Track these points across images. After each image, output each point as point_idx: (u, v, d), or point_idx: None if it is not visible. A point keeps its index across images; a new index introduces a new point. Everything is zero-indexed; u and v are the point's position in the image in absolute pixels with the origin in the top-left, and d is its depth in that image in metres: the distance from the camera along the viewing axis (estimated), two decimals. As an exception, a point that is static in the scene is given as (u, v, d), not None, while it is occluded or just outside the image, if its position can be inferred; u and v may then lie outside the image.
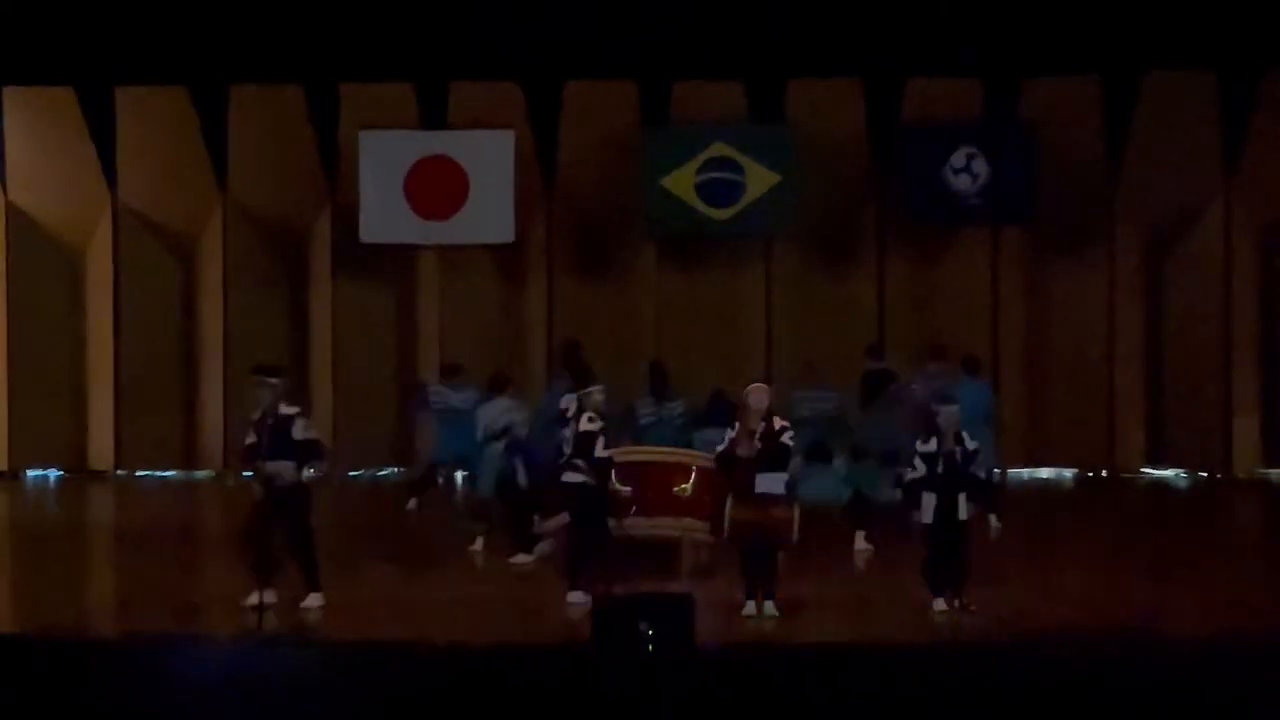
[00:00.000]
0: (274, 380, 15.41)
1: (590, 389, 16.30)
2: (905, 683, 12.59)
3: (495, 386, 19.71)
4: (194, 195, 25.60)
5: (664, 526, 17.45)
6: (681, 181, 25.19)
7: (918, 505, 15.40)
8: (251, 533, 15.43)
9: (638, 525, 17.25)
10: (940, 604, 15.37)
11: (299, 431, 15.25)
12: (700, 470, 17.26)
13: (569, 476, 16.15)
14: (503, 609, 16.17)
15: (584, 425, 16.05)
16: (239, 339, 25.56)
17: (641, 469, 17.45)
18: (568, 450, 16.16)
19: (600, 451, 16.10)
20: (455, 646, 13.92)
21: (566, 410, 16.48)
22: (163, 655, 13.21)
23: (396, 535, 20.63)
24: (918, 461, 15.40)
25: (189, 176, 25.50)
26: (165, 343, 25.86)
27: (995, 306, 25.61)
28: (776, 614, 15.24)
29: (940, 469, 15.33)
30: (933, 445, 15.41)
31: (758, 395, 15.54)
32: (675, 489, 17.44)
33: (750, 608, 15.32)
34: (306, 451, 15.23)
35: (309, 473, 15.23)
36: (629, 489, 17.08)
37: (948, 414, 15.50)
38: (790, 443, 15.45)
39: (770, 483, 15.33)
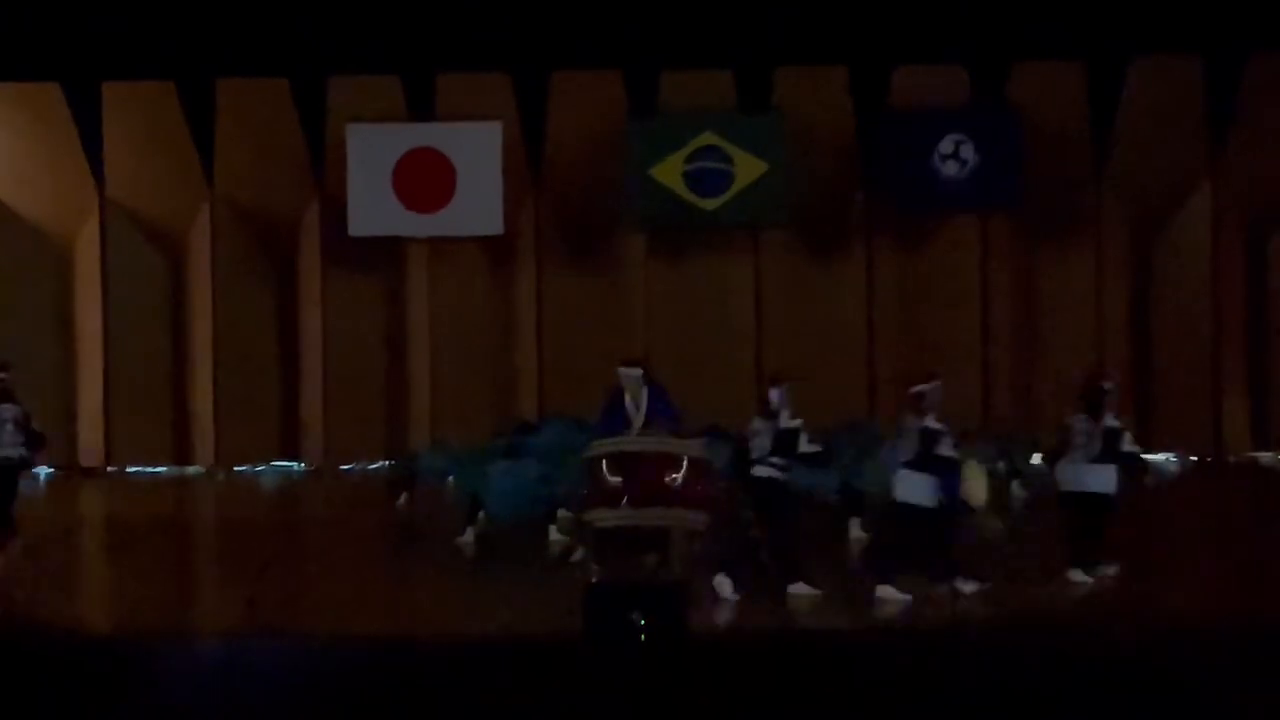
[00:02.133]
0: (3, 375, 18.21)
1: (789, 383, 16.01)
2: (899, 670, 12.61)
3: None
4: (182, 190, 25.58)
5: (655, 517, 17.43)
6: (670, 171, 25.19)
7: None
8: None
9: (629, 516, 17.25)
10: (1080, 575, 15.96)
11: (25, 423, 17.91)
12: (691, 460, 17.26)
13: (760, 471, 15.94)
14: (493, 601, 16.16)
15: (785, 423, 15.80)
16: (229, 333, 25.59)
17: (633, 460, 17.45)
18: (767, 446, 15.91)
19: (804, 447, 15.86)
20: (446, 639, 13.93)
21: (770, 405, 16.18)
22: (155, 651, 13.22)
23: (386, 529, 20.62)
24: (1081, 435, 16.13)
25: (176, 171, 25.48)
26: (155, 338, 25.85)
27: (983, 292, 25.64)
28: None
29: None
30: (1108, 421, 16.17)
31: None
32: (666, 479, 17.42)
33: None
34: (33, 439, 18.04)
35: (29, 456, 18.16)
36: (619, 480, 17.08)
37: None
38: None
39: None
